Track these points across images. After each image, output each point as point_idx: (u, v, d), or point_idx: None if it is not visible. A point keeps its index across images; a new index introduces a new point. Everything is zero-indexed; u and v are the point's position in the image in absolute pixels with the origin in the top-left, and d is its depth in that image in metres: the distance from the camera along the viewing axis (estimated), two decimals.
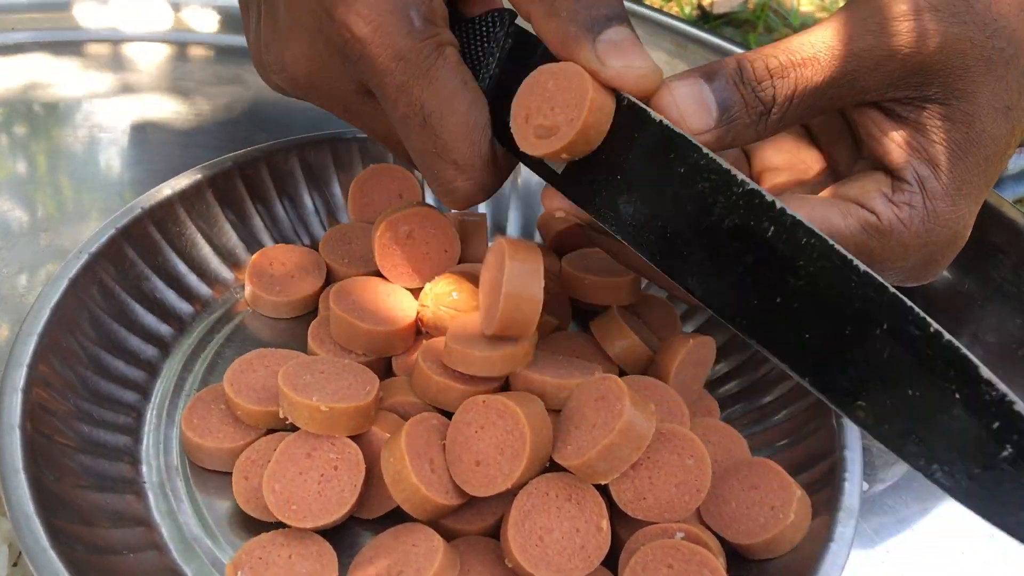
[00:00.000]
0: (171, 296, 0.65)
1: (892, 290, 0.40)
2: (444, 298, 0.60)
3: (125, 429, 0.58)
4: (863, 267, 0.41)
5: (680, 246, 0.45)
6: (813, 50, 0.46)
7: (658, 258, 0.46)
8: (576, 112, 0.46)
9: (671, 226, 0.45)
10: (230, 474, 0.56)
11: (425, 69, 0.49)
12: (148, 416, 0.60)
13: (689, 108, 0.46)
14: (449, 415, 0.57)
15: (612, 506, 0.53)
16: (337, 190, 0.74)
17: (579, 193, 0.49)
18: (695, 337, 0.61)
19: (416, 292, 0.63)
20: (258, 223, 0.71)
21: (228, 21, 0.97)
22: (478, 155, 0.51)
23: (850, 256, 0.41)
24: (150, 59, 0.93)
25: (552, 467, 0.53)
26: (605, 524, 0.52)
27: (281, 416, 0.55)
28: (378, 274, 0.66)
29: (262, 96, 0.89)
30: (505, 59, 0.53)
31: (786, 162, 0.57)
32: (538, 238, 0.75)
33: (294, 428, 0.55)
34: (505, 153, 0.53)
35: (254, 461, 0.56)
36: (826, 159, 0.56)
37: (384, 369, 0.62)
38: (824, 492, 0.55)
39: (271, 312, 0.67)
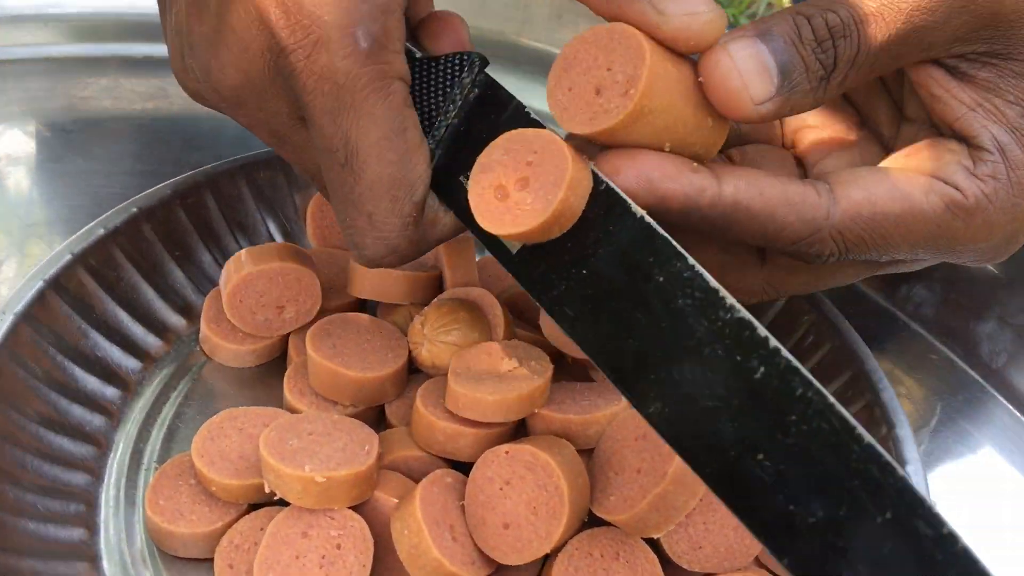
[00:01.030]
0: (115, 353, 0.56)
1: (901, 472, 0.32)
2: (441, 332, 0.52)
3: (77, 520, 0.49)
4: (867, 438, 0.32)
5: (647, 367, 0.37)
6: (877, 3, 0.40)
7: (616, 375, 0.38)
8: (552, 190, 0.38)
9: (638, 342, 0.38)
10: (209, 561, 0.48)
11: (359, 101, 0.41)
12: (103, 500, 0.51)
13: (752, 74, 0.39)
14: (461, 466, 0.50)
15: (661, 558, 0.46)
16: (294, 213, 0.66)
17: (533, 280, 0.41)
18: None
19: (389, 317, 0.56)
20: (206, 258, 0.62)
21: (140, 29, 0.87)
22: (397, 215, 0.43)
23: (853, 422, 0.32)
24: (49, 76, 0.82)
25: (590, 520, 0.46)
26: None
27: (267, 491, 0.47)
28: (354, 308, 0.58)
29: (190, 110, 0.79)
30: (469, 110, 0.45)
31: (821, 120, 0.50)
32: None
33: (282, 501, 0.47)
34: (446, 217, 0.46)
35: (238, 545, 0.47)
36: (861, 116, 0.51)
37: (375, 420, 0.54)
38: None
39: (233, 361, 0.58)
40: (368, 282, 0.57)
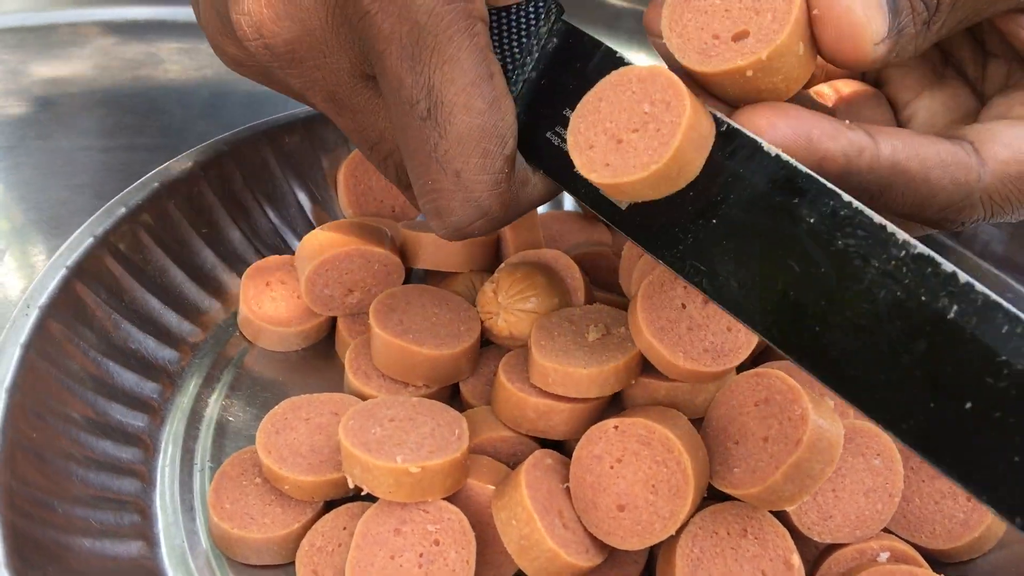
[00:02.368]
0: (150, 344, 0.51)
1: None
2: (517, 299, 0.48)
3: (133, 532, 0.44)
4: None
5: (810, 323, 0.33)
6: None
7: (776, 335, 0.34)
8: (671, 130, 0.34)
9: (796, 295, 0.33)
10: (284, 568, 0.43)
11: (443, 43, 0.36)
12: (158, 508, 0.46)
13: (873, 8, 0.34)
14: (555, 444, 0.45)
15: (788, 530, 0.42)
16: (322, 180, 0.60)
17: (651, 236, 0.37)
18: None
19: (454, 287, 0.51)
20: (235, 235, 0.57)
21: None
22: (488, 171, 0.38)
23: None
24: (25, 47, 0.75)
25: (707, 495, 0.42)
26: (796, 559, 0.41)
27: (351, 487, 0.42)
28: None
29: (186, 77, 0.73)
30: (547, 61, 0.40)
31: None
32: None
33: (362, 494, 0.42)
34: (536, 177, 0.41)
35: (321, 548, 0.43)
36: (944, 55, 0.47)
37: (448, 399, 0.50)
38: None
39: (279, 345, 0.53)
40: (424, 250, 0.52)
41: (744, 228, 0.34)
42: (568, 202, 0.63)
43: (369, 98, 0.41)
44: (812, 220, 0.33)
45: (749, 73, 0.34)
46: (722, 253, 0.35)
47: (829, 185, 0.33)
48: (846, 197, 0.33)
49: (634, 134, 0.35)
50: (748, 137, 0.34)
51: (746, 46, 0.34)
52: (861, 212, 0.32)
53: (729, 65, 0.34)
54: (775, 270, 0.34)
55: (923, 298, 0.31)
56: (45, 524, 0.41)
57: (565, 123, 0.38)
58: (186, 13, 0.77)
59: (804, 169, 0.33)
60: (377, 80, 0.39)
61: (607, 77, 0.36)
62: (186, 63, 0.73)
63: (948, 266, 0.30)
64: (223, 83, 0.65)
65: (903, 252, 0.31)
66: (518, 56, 0.40)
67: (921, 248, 0.31)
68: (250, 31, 0.39)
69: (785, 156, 0.34)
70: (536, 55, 0.40)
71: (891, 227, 0.32)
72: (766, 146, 0.34)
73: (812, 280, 0.33)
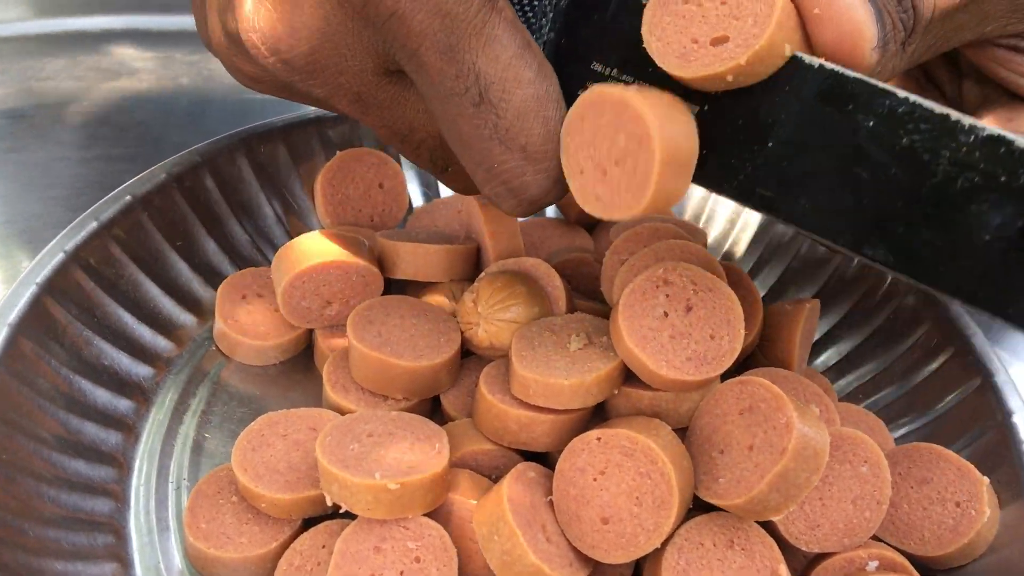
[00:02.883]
0: (123, 361, 0.50)
1: None
2: (498, 309, 0.47)
3: (107, 554, 0.43)
4: None
5: (893, 226, 0.32)
6: None
7: (859, 244, 0.33)
8: (643, 176, 0.33)
9: (870, 199, 0.32)
10: None
11: (478, 26, 0.36)
12: (132, 528, 0.45)
13: (870, 14, 0.34)
14: (533, 457, 0.45)
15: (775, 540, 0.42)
16: (299, 190, 0.59)
17: (708, 177, 0.36)
18: (808, 302, 0.49)
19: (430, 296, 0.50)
20: (210, 246, 0.56)
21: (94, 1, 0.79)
22: (551, 138, 0.37)
23: None
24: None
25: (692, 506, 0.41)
26: (784, 570, 0.40)
27: (329, 504, 0.41)
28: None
29: (162, 87, 0.72)
30: (562, 19, 0.39)
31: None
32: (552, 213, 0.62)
33: (340, 511, 0.41)
34: None
35: (300, 567, 0.42)
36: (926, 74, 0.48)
37: (428, 413, 0.49)
38: (1001, 472, 0.46)
39: (256, 360, 0.52)
40: (402, 260, 0.51)
41: (801, 145, 0.33)
42: (550, 209, 0.62)
43: (396, 92, 0.40)
44: (871, 123, 0.32)
45: (729, 78, 0.34)
46: (783, 176, 0.34)
47: (879, 84, 0.32)
48: (901, 93, 0.31)
49: (616, 167, 0.34)
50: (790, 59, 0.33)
51: (725, 51, 0.33)
52: (920, 105, 0.31)
53: (708, 71, 0.34)
54: (843, 182, 0.33)
55: (1002, 179, 0.30)
56: (15, 547, 0.40)
57: (594, 76, 0.38)
58: (161, 22, 0.76)
59: (851, 74, 0.33)
60: (407, 75, 0.39)
61: (584, 95, 0.36)
62: (162, 72, 0.72)
63: (1021, 141, 0.30)
64: (200, 92, 0.64)
65: (972, 137, 0.30)
66: (533, 21, 0.40)
67: (990, 129, 0.30)
68: (266, 49, 0.39)
69: (828, 64, 0.33)
70: (551, 15, 0.39)
71: (955, 114, 0.31)
72: (806, 58, 0.33)
73: (885, 184, 0.32)
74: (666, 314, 0.42)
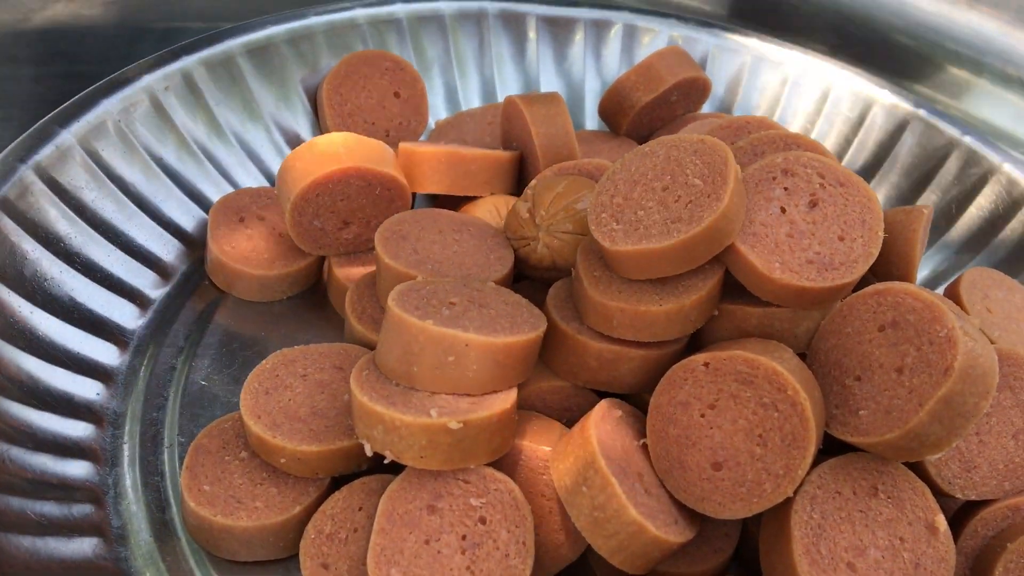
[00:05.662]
0: (98, 297, 0.41)
1: None
2: (561, 219, 0.38)
3: (87, 526, 0.35)
4: None
5: None
6: None
7: None
8: None
9: None
10: (283, 563, 0.34)
11: None
12: (113, 496, 0.36)
13: None
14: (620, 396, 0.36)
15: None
16: (299, 98, 0.50)
17: None
18: (925, 208, 0.41)
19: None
20: (189, 166, 0.46)
21: None
22: None
23: None
24: None
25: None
26: (941, 521, 0.32)
27: (369, 454, 0.32)
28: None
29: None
30: None
31: None
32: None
33: (381, 466, 0.33)
34: None
35: (332, 535, 0.33)
36: None
37: None
38: None
39: (258, 294, 0.44)
40: (432, 171, 0.43)
41: None
42: (593, 121, 0.54)
43: None
44: None
45: None
46: None
47: None
48: None
49: None
50: None
51: None
52: None
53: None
54: None
55: None
56: None
57: None
58: None
59: None
60: None
61: None
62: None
63: None
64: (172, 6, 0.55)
65: None
66: None
67: None
68: None
69: None
70: None
71: None
72: None
73: None
74: (783, 210, 0.34)
